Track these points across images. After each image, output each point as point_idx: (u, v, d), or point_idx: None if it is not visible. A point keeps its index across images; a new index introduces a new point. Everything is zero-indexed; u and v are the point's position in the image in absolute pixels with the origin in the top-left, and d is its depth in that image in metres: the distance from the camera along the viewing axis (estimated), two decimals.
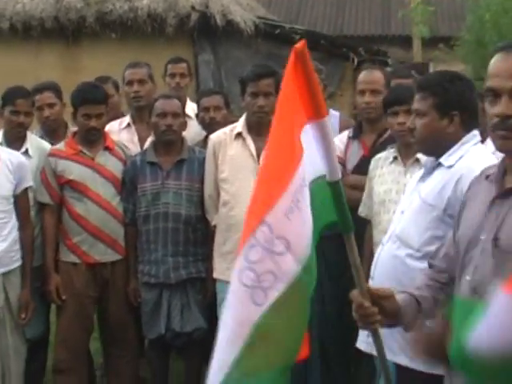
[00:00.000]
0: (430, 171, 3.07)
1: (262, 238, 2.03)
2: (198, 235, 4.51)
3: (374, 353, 3.33)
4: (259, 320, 2.03)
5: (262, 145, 4.24)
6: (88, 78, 5.51)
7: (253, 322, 2.03)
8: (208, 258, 4.47)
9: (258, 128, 4.24)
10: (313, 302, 4.77)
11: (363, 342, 3.37)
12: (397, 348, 3.02)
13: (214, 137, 4.38)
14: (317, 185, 2.21)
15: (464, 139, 2.99)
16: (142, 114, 5.03)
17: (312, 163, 2.18)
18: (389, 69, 11.93)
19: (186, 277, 4.45)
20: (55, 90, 4.93)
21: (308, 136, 2.15)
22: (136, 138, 5.01)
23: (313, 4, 19.13)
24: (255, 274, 2.02)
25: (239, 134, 4.28)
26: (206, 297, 4.53)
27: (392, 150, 4.09)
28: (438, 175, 3.00)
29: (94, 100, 4.41)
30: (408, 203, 3.09)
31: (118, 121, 5.10)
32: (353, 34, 17.08)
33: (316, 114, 2.12)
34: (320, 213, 2.24)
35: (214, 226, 4.42)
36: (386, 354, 2.73)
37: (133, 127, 5.06)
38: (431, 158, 3.14)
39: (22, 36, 10.08)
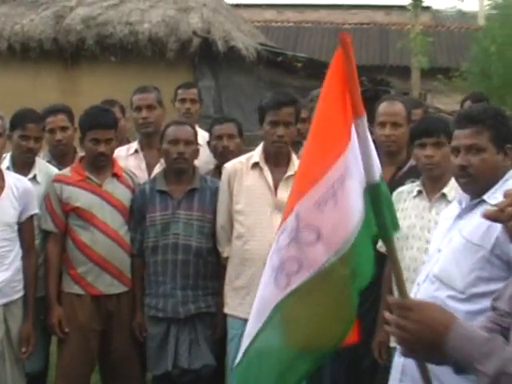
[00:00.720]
0: (469, 208, 2.90)
1: (289, 225, 2.11)
2: (209, 268, 4.32)
3: None
4: (279, 303, 2.11)
5: (279, 176, 4.09)
6: (87, 101, 5.33)
7: (273, 303, 2.12)
8: (218, 292, 4.28)
9: (276, 158, 4.09)
10: None
11: (396, 379, 3.18)
12: None
13: (228, 166, 4.20)
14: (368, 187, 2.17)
15: (507, 176, 2.84)
16: (150, 140, 4.87)
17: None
18: None
19: (195, 311, 4.26)
20: (68, 113, 4.76)
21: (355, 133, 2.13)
22: (144, 165, 4.83)
23: (310, 33, 19.11)
24: (280, 259, 2.12)
25: (256, 164, 4.11)
26: (215, 333, 4.34)
27: (416, 184, 3.93)
28: None
29: (103, 124, 4.23)
30: (446, 241, 2.91)
31: (125, 147, 4.93)
32: None
33: (356, 111, 2.07)
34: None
35: (225, 259, 4.25)
36: None
37: (141, 154, 4.89)
38: (466, 195, 2.97)
39: (20, 57, 9.96)
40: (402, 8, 17.79)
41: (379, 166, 2.21)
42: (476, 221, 2.79)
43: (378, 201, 2.12)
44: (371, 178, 2.12)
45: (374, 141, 4.48)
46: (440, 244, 2.94)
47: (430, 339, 1.83)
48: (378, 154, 4.45)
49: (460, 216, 2.92)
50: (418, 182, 3.93)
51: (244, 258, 4.07)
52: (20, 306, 4.08)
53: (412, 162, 4.36)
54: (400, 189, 4.02)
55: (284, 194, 4.04)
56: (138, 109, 4.90)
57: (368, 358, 4.29)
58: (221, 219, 4.24)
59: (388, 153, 4.39)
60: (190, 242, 4.24)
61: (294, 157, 4.17)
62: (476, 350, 1.79)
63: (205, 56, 10.09)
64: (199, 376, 4.29)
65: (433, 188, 3.83)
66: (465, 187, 2.94)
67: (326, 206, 2.08)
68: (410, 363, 2.83)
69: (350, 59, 2.03)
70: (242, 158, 4.19)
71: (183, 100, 5.39)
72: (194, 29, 10.00)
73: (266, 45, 10.73)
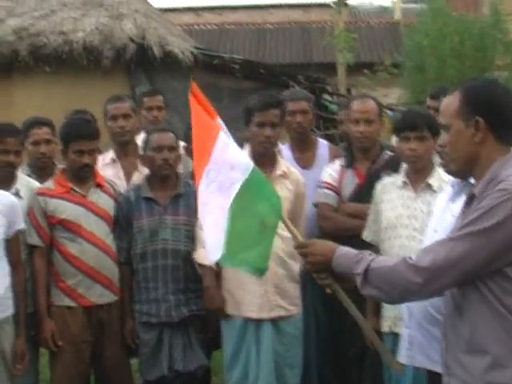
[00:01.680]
0: (459, 191, 3.10)
1: (212, 166, 2.93)
2: (197, 271, 4.37)
3: (416, 365, 3.32)
4: (231, 205, 2.85)
5: (267, 176, 4.17)
6: (21, 114, 5.28)
7: (227, 207, 2.85)
8: None
9: (263, 158, 4.18)
10: (310, 330, 4.69)
11: (403, 355, 3.33)
12: (436, 357, 3.02)
13: None
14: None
15: None
16: (126, 149, 4.89)
17: None
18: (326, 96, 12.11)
19: (188, 314, 4.31)
20: (52, 126, 4.74)
21: None
22: (122, 174, 4.86)
23: (233, 35, 19.23)
24: (217, 183, 2.90)
25: None
26: (207, 334, 4.40)
27: (399, 176, 4.10)
28: None
29: (87, 135, 4.24)
30: (440, 222, 3.12)
31: (100, 157, 4.92)
32: (275, 63, 17.21)
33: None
34: None
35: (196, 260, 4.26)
36: (425, 363, 3.01)
37: (118, 162, 4.91)
38: (458, 180, 3.17)
39: None
40: (320, 6, 18.08)
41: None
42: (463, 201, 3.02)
43: None
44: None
45: (347, 135, 4.68)
46: (436, 225, 3.15)
47: (324, 262, 2.63)
48: (352, 151, 4.65)
49: (452, 199, 3.12)
50: (402, 174, 4.09)
51: None
52: (11, 323, 4.03)
53: (386, 156, 4.55)
54: (384, 181, 4.19)
55: None
56: (114, 118, 4.91)
57: (355, 345, 4.44)
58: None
59: (362, 148, 4.57)
60: (178, 247, 4.29)
61: (279, 157, 4.28)
62: (351, 261, 2.53)
63: (140, 62, 10.10)
64: (193, 378, 4.35)
65: (417, 179, 4.00)
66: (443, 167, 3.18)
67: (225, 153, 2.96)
68: (416, 333, 3.10)
69: (203, 100, 3.02)
70: None
71: (150, 108, 5.42)
72: (128, 35, 10.00)
73: (201, 48, 10.79)
